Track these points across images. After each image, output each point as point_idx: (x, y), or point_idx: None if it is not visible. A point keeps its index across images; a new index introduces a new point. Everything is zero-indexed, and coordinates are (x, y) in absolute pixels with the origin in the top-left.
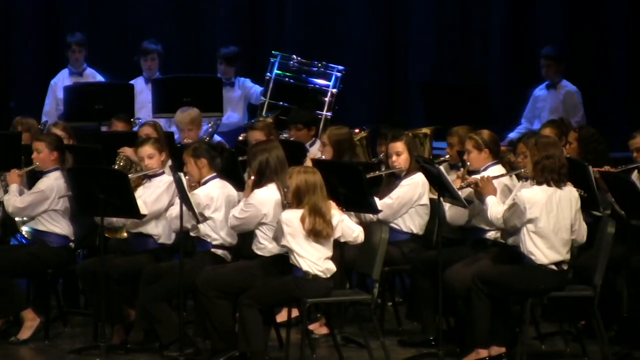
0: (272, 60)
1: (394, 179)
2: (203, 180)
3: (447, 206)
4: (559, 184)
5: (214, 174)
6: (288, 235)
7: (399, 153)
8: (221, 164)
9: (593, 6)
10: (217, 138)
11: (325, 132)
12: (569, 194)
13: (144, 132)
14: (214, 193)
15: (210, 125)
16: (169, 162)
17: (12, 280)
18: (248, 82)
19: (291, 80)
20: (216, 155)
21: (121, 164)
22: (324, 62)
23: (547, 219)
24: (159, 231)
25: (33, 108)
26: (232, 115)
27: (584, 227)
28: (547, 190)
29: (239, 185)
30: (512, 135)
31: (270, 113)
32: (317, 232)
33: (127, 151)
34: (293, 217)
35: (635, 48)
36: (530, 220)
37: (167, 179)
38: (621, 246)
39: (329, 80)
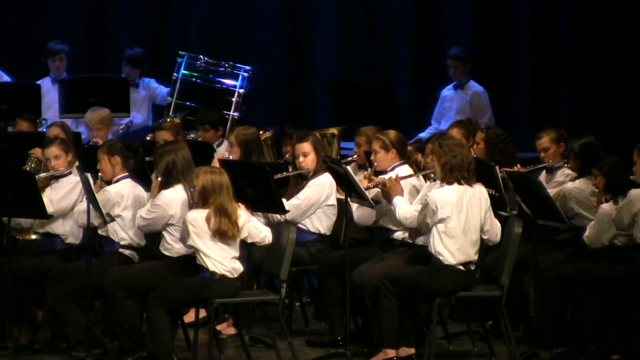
0: (179, 60)
1: (302, 179)
2: (115, 178)
3: (354, 206)
4: (469, 181)
5: (126, 174)
6: (194, 235)
7: (306, 154)
8: (134, 164)
9: (499, 7)
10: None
11: (233, 133)
12: (479, 194)
13: (52, 133)
14: (124, 191)
15: (121, 127)
16: (76, 163)
17: None
18: (153, 83)
19: (198, 81)
20: (130, 156)
21: (32, 165)
22: (231, 62)
23: (457, 219)
24: (66, 231)
25: None
26: (137, 116)
27: (498, 226)
28: (458, 189)
29: (147, 185)
30: (423, 135)
31: (178, 113)
32: (223, 233)
33: (37, 152)
34: (198, 217)
35: (540, 49)
36: (441, 220)
37: (74, 179)
38: (528, 246)
39: (237, 80)
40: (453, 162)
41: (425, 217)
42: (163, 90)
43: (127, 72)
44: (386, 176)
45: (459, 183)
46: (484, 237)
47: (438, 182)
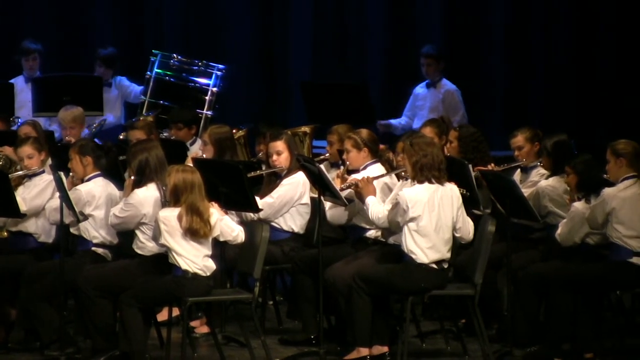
0: (152, 59)
1: (275, 178)
2: (86, 178)
3: (327, 205)
4: (440, 180)
5: (98, 173)
6: (166, 233)
7: (279, 152)
8: (106, 163)
9: (473, 6)
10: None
11: (206, 131)
12: (450, 192)
13: (24, 132)
14: (96, 191)
15: (94, 126)
16: (49, 161)
17: None
18: (125, 81)
19: (172, 79)
20: (101, 155)
21: (1, 162)
22: (205, 61)
23: (429, 218)
24: (39, 229)
25: None
26: (110, 115)
27: (470, 224)
28: (429, 188)
29: (120, 184)
30: (394, 121)
31: (151, 112)
32: (195, 231)
33: (7, 150)
34: (170, 216)
35: (513, 47)
36: (412, 219)
37: (47, 177)
38: (501, 245)
39: (210, 79)
40: (424, 161)
41: (396, 216)
42: (135, 88)
43: (100, 72)
44: (358, 176)
45: (430, 182)
46: (457, 235)
47: (410, 180)
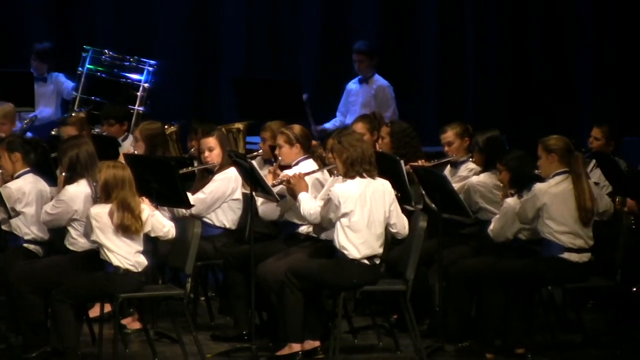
0: (84, 54)
1: (207, 173)
2: (16, 174)
3: (259, 201)
4: (371, 173)
5: (28, 169)
6: (97, 230)
7: (212, 148)
8: (35, 159)
9: (405, 1)
10: (28, 133)
11: (138, 128)
12: (382, 187)
13: None
14: (26, 187)
15: (25, 122)
16: None
17: None
18: (61, 77)
19: (103, 75)
20: (30, 150)
21: None
22: (137, 57)
23: (360, 213)
24: None
25: None
26: (45, 110)
27: (405, 219)
28: (361, 183)
29: (52, 180)
30: (328, 125)
31: (83, 108)
32: (126, 227)
33: None
34: (101, 212)
35: (445, 43)
36: (344, 215)
37: None
38: (433, 240)
39: (142, 75)
40: (354, 156)
41: (328, 212)
42: (70, 84)
43: (36, 67)
44: (290, 172)
45: (361, 176)
46: (392, 230)
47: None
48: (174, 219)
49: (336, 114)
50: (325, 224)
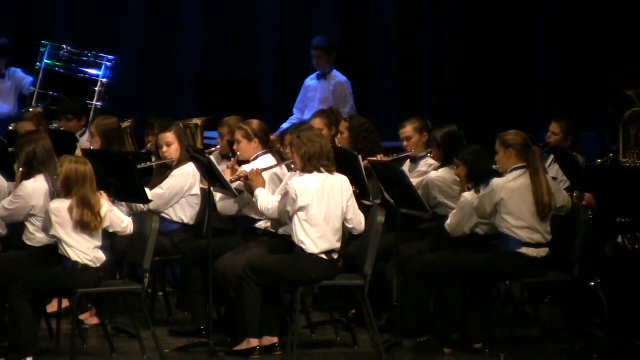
0: (42, 50)
1: (165, 169)
2: None
3: (218, 196)
4: (329, 169)
5: None
6: (56, 225)
7: (170, 144)
8: None
9: None
10: None
11: (93, 123)
12: (340, 182)
13: None
14: None
15: None
16: None
17: None
18: (19, 73)
19: (61, 70)
20: None
21: None
22: (95, 52)
23: (318, 207)
24: None
25: None
26: (3, 106)
27: (361, 215)
28: (319, 177)
29: (10, 176)
30: (285, 125)
31: (40, 103)
32: (85, 224)
33: None
34: (61, 207)
35: (403, 39)
36: (301, 208)
37: None
38: (391, 235)
39: (100, 70)
40: (312, 151)
41: (286, 206)
42: (29, 80)
43: None
44: (248, 167)
45: (319, 171)
46: (349, 226)
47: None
48: (132, 214)
49: (293, 111)
50: (283, 218)
